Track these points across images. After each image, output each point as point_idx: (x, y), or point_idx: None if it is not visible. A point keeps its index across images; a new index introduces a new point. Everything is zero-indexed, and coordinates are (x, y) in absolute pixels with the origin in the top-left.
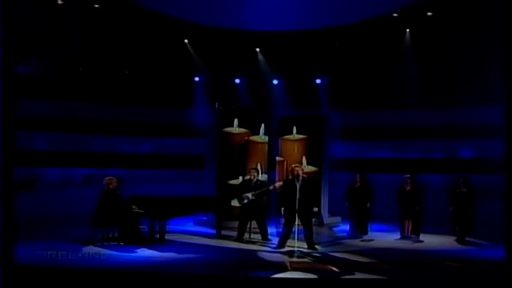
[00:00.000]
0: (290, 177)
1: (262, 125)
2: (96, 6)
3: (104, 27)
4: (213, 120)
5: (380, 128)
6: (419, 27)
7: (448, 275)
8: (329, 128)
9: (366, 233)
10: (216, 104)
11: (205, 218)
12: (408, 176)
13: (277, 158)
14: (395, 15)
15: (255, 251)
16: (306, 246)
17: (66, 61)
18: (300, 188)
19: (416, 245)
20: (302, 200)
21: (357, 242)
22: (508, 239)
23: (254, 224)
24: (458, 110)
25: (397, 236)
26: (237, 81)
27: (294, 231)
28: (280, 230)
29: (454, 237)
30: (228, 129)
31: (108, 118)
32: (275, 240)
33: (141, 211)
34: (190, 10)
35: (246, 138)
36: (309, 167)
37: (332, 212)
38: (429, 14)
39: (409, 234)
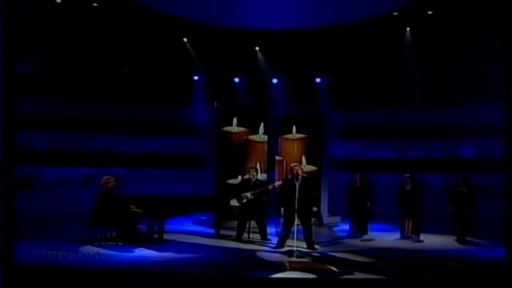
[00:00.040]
0: (289, 176)
1: (262, 124)
2: (95, 5)
3: (103, 26)
4: (212, 120)
5: (380, 128)
6: (420, 26)
7: (448, 275)
8: (329, 127)
9: (366, 233)
10: (215, 103)
11: (204, 218)
12: (408, 175)
13: (277, 157)
14: (395, 14)
15: (254, 251)
16: (305, 246)
17: (65, 60)
18: (299, 188)
19: (417, 245)
20: (301, 200)
21: (357, 242)
22: (508, 239)
23: (253, 223)
24: (458, 109)
25: (397, 235)
26: (237, 80)
27: (293, 231)
28: (280, 229)
29: (454, 237)
30: (227, 128)
31: (107, 117)
32: (274, 240)
33: (139, 211)
34: (189, 9)
35: (245, 137)
36: (309, 166)
37: (332, 212)
38: (429, 13)
39: (409, 234)
